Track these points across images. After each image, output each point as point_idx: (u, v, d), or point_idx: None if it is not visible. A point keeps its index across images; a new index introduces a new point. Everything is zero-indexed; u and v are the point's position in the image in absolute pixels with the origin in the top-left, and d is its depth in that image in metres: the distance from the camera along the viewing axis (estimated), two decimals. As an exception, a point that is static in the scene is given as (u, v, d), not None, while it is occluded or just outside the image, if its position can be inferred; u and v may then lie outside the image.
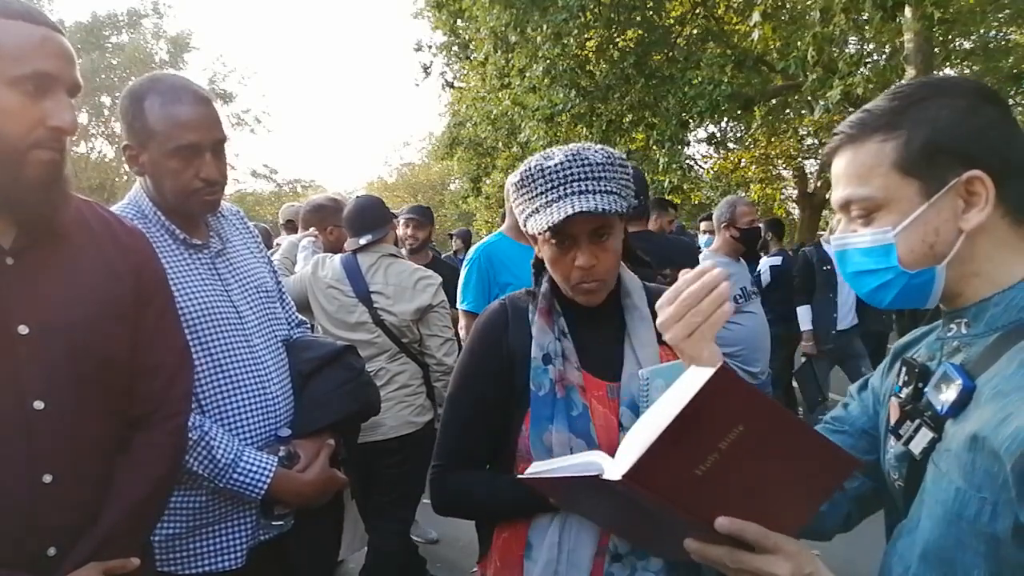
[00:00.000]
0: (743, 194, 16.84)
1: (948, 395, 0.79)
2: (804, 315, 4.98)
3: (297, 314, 1.82)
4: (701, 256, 3.71)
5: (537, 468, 0.97)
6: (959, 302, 0.85)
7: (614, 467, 0.80)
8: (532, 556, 1.23)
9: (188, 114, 1.42)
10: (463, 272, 2.79)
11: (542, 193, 1.18)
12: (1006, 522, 0.70)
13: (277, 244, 4.13)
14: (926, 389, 0.83)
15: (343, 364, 1.67)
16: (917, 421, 0.83)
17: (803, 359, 5.08)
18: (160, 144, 1.42)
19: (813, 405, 5.11)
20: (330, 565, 2.72)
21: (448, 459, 1.33)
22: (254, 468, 1.44)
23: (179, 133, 1.41)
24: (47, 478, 1.07)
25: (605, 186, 1.17)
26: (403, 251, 3.75)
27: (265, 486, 1.44)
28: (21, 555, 1.06)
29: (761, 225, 3.92)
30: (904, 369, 0.89)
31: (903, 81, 0.89)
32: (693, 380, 0.75)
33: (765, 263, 5.30)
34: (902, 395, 0.88)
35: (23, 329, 1.06)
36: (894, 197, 0.83)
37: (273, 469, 1.45)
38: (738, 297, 3.49)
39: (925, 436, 0.81)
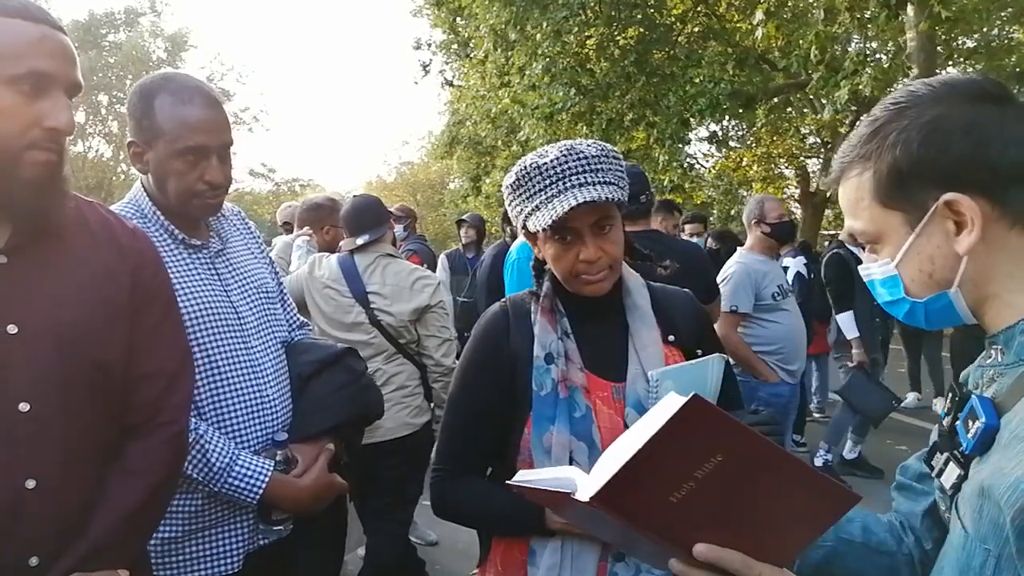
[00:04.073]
0: (745, 193, 16.83)
1: (973, 432, 0.73)
2: (847, 323, 4.49)
3: (299, 316, 1.80)
4: (737, 257, 3.63)
5: (520, 478, 0.97)
6: (987, 326, 0.78)
7: (586, 486, 0.80)
8: (535, 562, 1.22)
9: (198, 116, 1.41)
10: (508, 273, 2.71)
11: (541, 190, 1.18)
12: None
13: (273, 244, 4.10)
14: (958, 422, 0.77)
15: (343, 367, 1.64)
16: (946, 455, 0.78)
17: (846, 371, 4.58)
18: (167, 144, 1.40)
19: (878, 419, 4.52)
20: (334, 569, 2.70)
21: (448, 463, 1.33)
22: (249, 472, 1.41)
23: (188, 134, 1.40)
24: (30, 483, 1.04)
25: (603, 177, 1.18)
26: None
27: (260, 491, 1.41)
28: (1, 564, 1.03)
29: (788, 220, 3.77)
30: (950, 394, 0.83)
31: (897, 87, 0.83)
32: (667, 408, 0.74)
33: (793, 265, 4.99)
34: (944, 423, 0.82)
35: (12, 329, 1.03)
36: (883, 230, 0.79)
37: (269, 474, 1.43)
38: (775, 295, 3.46)
39: (953, 472, 0.76)
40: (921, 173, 0.74)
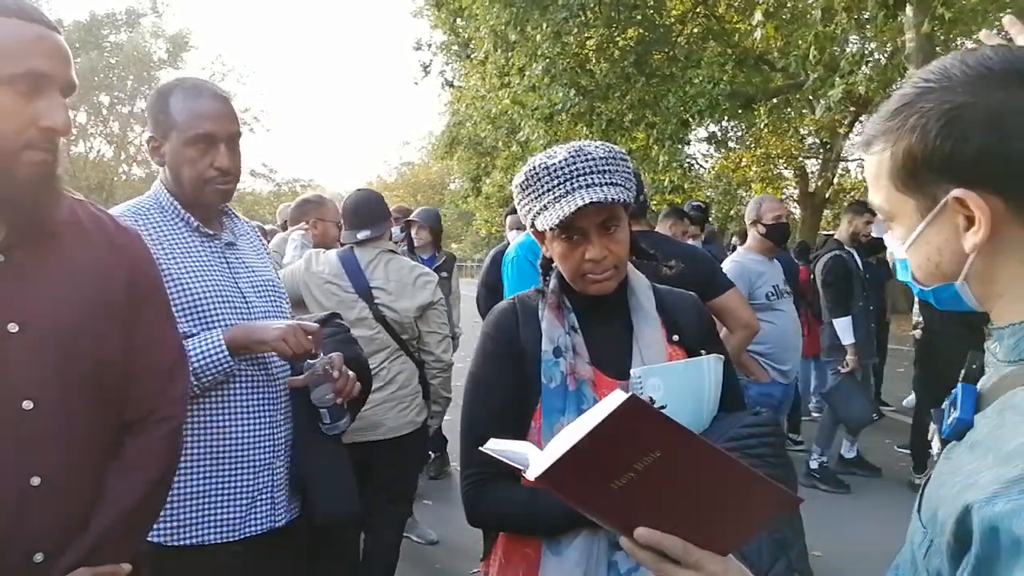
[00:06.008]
0: (745, 194, 16.86)
1: (950, 421, 0.73)
2: (844, 328, 4.35)
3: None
4: (735, 255, 3.66)
5: (491, 445, 0.98)
6: (993, 321, 0.77)
7: (535, 464, 0.84)
8: (559, 551, 1.20)
9: (206, 106, 1.56)
10: (506, 272, 2.72)
11: (549, 190, 1.21)
12: (935, 563, 0.66)
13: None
14: (944, 405, 0.77)
15: (333, 324, 1.91)
16: (934, 428, 0.80)
17: (837, 376, 4.49)
18: (180, 133, 1.54)
19: (856, 427, 4.54)
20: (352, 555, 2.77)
21: (478, 468, 1.27)
22: (200, 348, 1.46)
23: (197, 123, 1.53)
24: (35, 480, 1.04)
25: (609, 179, 1.20)
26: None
27: (222, 347, 1.46)
28: (6, 561, 1.03)
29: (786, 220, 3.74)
30: (965, 370, 0.81)
31: (895, 87, 0.81)
32: (608, 404, 0.78)
33: None
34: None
35: (12, 327, 1.04)
36: (897, 211, 0.76)
37: (220, 335, 1.47)
38: (770, 295, 3.47)
39: (936, 446, 0.79)
40: (934, 164, 0.70)
